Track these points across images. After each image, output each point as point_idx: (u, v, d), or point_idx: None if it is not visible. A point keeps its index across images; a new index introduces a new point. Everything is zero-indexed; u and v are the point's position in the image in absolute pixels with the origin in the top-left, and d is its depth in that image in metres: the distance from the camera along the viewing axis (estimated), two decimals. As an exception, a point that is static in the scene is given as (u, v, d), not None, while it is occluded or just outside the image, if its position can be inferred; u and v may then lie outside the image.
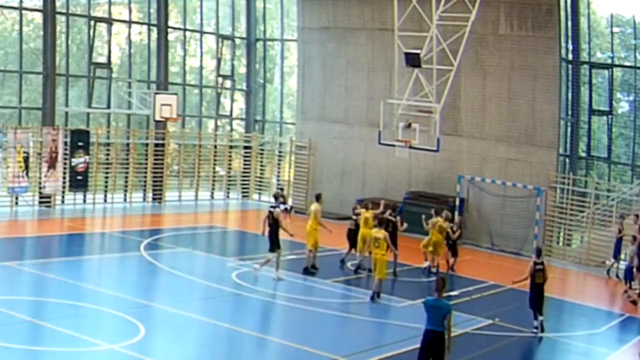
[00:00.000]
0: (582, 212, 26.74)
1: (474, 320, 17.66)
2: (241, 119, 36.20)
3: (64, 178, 28.34)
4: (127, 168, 30.79)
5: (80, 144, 28.48)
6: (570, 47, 28.60)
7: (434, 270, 22.42)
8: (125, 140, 30.80)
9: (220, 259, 22.55)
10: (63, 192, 29.07)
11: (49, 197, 28.26)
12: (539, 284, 17.20)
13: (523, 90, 27.68)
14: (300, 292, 19.48)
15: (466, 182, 28.48)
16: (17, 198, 27.62)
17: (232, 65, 35.40)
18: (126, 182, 31.07)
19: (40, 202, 28.13)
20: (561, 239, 28.01)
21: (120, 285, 18.59)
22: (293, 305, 18.23)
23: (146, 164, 31.37)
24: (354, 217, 22.75)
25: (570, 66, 28.60)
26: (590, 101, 28.62)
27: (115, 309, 15.98)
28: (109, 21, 30.52)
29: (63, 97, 29.53)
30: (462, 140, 28.82)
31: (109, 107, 30.29)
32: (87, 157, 28.76)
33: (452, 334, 12.39)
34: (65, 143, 28.13)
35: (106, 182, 30.45)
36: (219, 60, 34.77)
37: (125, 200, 30.98)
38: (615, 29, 28.43)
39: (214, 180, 34.14)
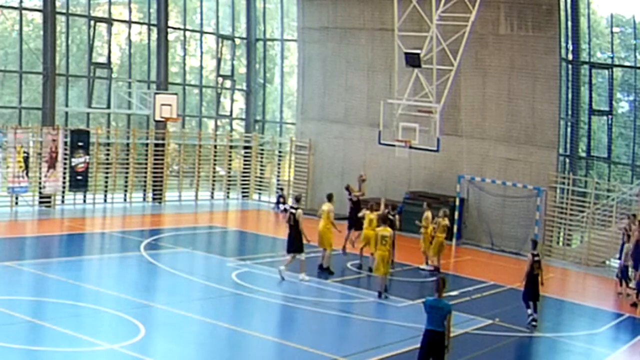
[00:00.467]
0: (582, 212, 26.74)
1: (474, 320, 17.66)
2: (241, 119, 36.20)
3: (64, 178, 28.35)
4: (127, 168, 30.79)
5: (80, 144, 28.48)
6: (570, 47, 28.60)
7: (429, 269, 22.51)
8: (125, 140, 30.80)
9: (220, 259, 22.55)
10: (63, 192, 29.07)
11: (49, 197, 28.27)
12: (536, 275, 17.53)
13: (523, 90, 27.68)
14: (300, 292, 19.47)
15: (466, 182, 28.48)
16: (17, 198, 27.63)
17: (232, 65, 35.41)
18: (126, 182, 31.07)
19: (40, 202, 28.14)
20: (561, 239, 28.01)
21: (120, 285, 18.59)
22: (293, 305, 18.23)
23: (146, 164, 31.37)
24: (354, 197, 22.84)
25: (570, 66, 28.60)
26: (590, 101, 28.62)
27: (115, 309, 15.98)
28: (109, 21, 30.52)
29: (63, 97, 29.54)
30: (462, 140, 28.82)
31: (109, 107, 30.30)
32: (87, 157, 28.76)
33: (452, 334, 12.41)
34: (65, 143, 28.13)
35: (106, 182, 30.45)
36: (219, 60, 34.78)
37: (125, 200, 30.99)
38: (615, 29, 28.43)
39: (214, 180, 34.14)
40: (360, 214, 22.61)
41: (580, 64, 28.58)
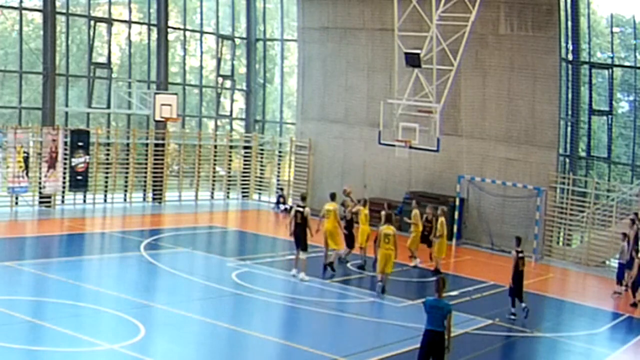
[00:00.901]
0: (582, 212, 26.75)
1: (474, 320, 17.66)
2: (241, 119, 36.20)
3: (64, 178, 28.35)
4: (127, 168, 30.79)
5: (80, 144, 28.48)
6: (570, 47, 28.61)
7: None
8: (125, 140, 30.80)
9: (220, 259, 22.55)
10: (63, 192, 29.07)
11: (49, 197, 28.27)
12: (521, 272, 18.19)
13: (523, 90, 27.68)
14: (300, 292, 19.48)
15: (466, 182, 28.49)
16: (17, 198, 27.63)
17: (232, 65, 35.41)
18: (126, 182, 31.07)
19: (40, 202, 28.13)
20: (561, 239, 28.01)
21: (120, 285, 18.60)
22: (293, 305, 18.24)
23: (146, 164, 31.37)
24: (348, 214, 22.76)
25: (570, 66, 28.61)
26: (590, 101, 28.63)
27: (115, 309, 15.98)
28: (109, 21, 30.52)
29: (63, 97, 29.54)
30: (462, 140, 28.81)
31: (109, 107, 30.30)
32: (87, 157, 28.76)
33: (452, 334, 12.41)
34: (65, 143, 28.13)
35: (106, 182, 30.45)
36: (219, 60, 34.78)
37: (125, 200, 30.99)
38: (615, 29, 28.43)
39: (214, 180, 34.14)
40: (354, 210, 22.64)
41: (580, 64, 28.58)
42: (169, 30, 32.11)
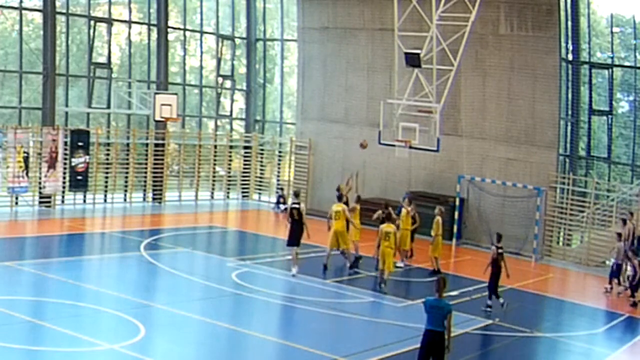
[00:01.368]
0: (582, 212, 26.75)
1: (474, 320, 17.66)
2: (241, 119, 36.20)
3: (64, 178, 28.34)
4: (127, 168, 30.79)
5: (80, 144, 28.48)
6: (570, 47, 28.61)
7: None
8: (125, 140, 30.81)
9: (220, 259, 22.55)
10: (63, 192, 29.07)
11: (49, 197, 28.27)
12: (499, 267, 18.68)
13: (523, 90, 27.68)
14: (300, 292, 19.48)
15: (466, 182, 28.49)
16: (17, 198, 27.63)
17: (232, 65, 35.41)
18: (126, 182, 31.07)
19: (40, 202, 28.13)
20: (561, 239, 28.01)
21: (120, 285, 18.59)
22: (293, 305, 18.24)
23: (146, 164, 31.37)
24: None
25: (570, 66, 28.61)
26: (590, 101, 28.63)
27: (115, 309, 15.98)
28: (109, 21, 30.52)
29: (63, 97, 29.54)
30: (462, 140, 28.82)
31: (109, 107, 30.30)
32: (87, 157, 28.76)
33: (452, 334, 12.40)
34: (65, 143, 28.13)
35: (106, 182, 30.45)
36: (219, 60, 34.78)
37: (125, 200, 30.99)
38: (615, 29, 28.44)
39: (214, 180, 34.14)
40: (350, 207, 22.70)
41: (580, 64, 28.58)
42: (169, 30, 32.11)
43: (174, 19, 33.72)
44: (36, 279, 18.38)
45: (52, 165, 27.66)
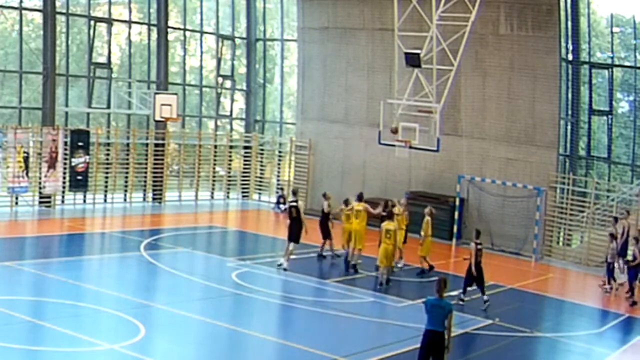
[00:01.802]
0: (582, 212, 26.74)
1: (474, 320, 17.67)
2: (241, 119, 36.20)
3: (64, 178, 28.35)
4: (127, 168, 30.79)
5: (80, 144, 28.49)
6: (570, 47, 28.60)
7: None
8: (125, 140, 30.81)
9: (220, 259, 22.55)
10: (63, 192, 29.07)
11: (49, 197, 28.27)
12: (479, 263, 18.98)
13: (523, 90, 27.68)
14: (300, 292, 19.49)
15: (466, 182, 28.49)
16: (17, 198, 27.63)
17: (232, 65, 35.41)
18: (126, 182, 31.07)
19: (40, 202, 28.13)
20: (561, 239, 28.01)
21: (120, 285, 18.60)
22: (293, 305, 18.24)
23: (146, 164, 31.37)
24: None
25: (570, 66, 28.60)
26: (590, 101, 28.63)
27: (115, 309, 15.98)
28: (109, 21, 30.52)
29: (63, 97, 29.54)
30: (462, 140, 28.81)
31: (109, 107, 30.30)
32: (87, 157, 28.76)
33: (452, 334, 12.40)
34: (65, 143, 28.13)
35: (106, 182, 30.45)
36: (219, 60, 34.78)
37: (125, 200, 30.99)
38: (615, 29, 28.43)
39: (214, 180, 34.14)
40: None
41: (580, 64, 28.58)
42: (169, 30, 32.11)
43: (174, 19, 33.72)
44: (36, 279, 18.39)
45: (52, 165, 27.66)
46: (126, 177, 31.00)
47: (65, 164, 28.14)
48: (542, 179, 27.26)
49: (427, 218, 22.36)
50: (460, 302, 18.75)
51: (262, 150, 35.42)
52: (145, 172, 31.40)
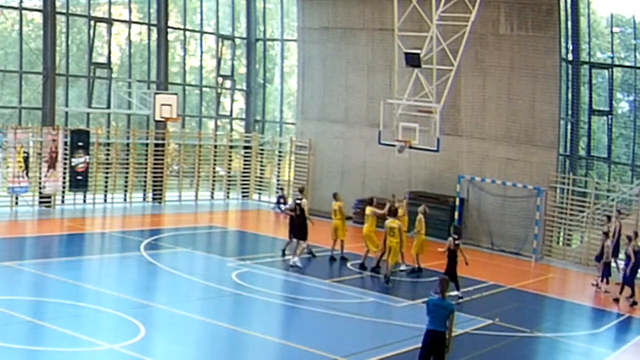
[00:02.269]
0: (582, 212, 26.74)
1: (474, 320, 17.67)
2: (241, 119, 36.20)
3: (64, 178, 28.35)
4: (127, 168, 30.79)
5: (80, 144, 28.49)
6: (570, 47, 28.60)
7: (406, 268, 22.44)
8: (125, 140, 30.81)
9: (220, 259, 22.55)
10: (63, 192, 29.07)
11: (49, 197, 28.27)
12: (455, 257, 19.41)
13: (523, 90, 27.68)
14: (300, 292, 19.49)
15: (466, 182, 28.49)
16: (17, 198, 27.63)
17: (232, 65, 35.41)
18: (126, 182, 31.07)
19: (40, 202, 28.13)
20: (561, 239, 28.01)
21: (120, 285, 18.60)
22: (293, 305, 18.24)
23: (146, 164, 31.37)
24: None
25: (570, 66, 28.61)
26: (590, 101, 28.63)
27: (115, 309, 15.98)
28: (109, 21, 30.52)
29: (63, 97, 29.54)
30: (462, 140, 28.81)
31: (109, 107, 30.30)
32: (87, 157, 28.76)
33: (453, 334, 12.40)
34: (65, 143, 28.13)
35: (106, 182, 30.45)
36: (219, 60, 34.78)
37: (125, 200, 30.99)
38: (615, 29, 28.43)
39: (214, 180, 34.14)
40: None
41: (580, 64, 28.58)
42: (169, 30, 32.11)
43: (174, 19, 33.73)
44: (36, 279, 18.39)
45: (52, 165, 27.66)
46: (126, 177, 31.00)
47: (65, 164, 28.14)
48: (542, 179, 27.26)
49: (420, 216, 22.40)
50: (460, 300, 18.96)
51: (262, 150, 35.42)
52: (145, 172, 31.40)
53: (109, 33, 30.47)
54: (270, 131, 36.10)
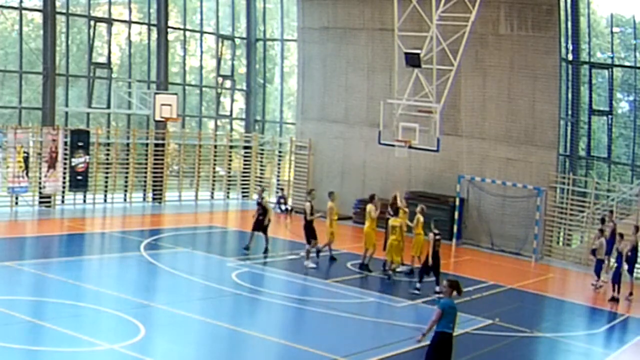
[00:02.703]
0: (582, 212, 26.75)
1: (474, 320, 17.66)
2: (241, 119, 36.20)
3: (64, 178, 28.35)
4: (127, 168, 30.79)
5: (80, 144, 28.49)
6: (570, 47, 28.60)
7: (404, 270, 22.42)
8: (125, 140, 30.81)
9: (220, 259, 22.55)
10: (63, 192, 29.07)
11: (49, 197, 28.27)
12: (437, 252, 19.80)
13: (523, 90, 27.68)
14: (300, 292, 19.49)
15: (466, 182, 28.49)
16: (17, 198, 27.63)
17: (232, 65, 35.41)
18: (126, 182, 31.07)
19: (40, 202, 28.13)
20: (561, 239, 28.01)
21: (120, 285, 18.60)
22: (293, 305, 18.24)
23: (146, 164, 31.37)
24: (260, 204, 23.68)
25: (570, 66, 28.60)
26: (590, 101, 28.63)
27: (115, 309, 15.98)
28: (109, 21, 30.52)
29: (63, 97, 29.54)
30: (462, 140, 28.81)
31: (109, 107, 30.30)
32: (87, 157, 28.76)
33: (454, 334, 12.43)
34: (65, 143, 28.13)
35: (106, 182, 30.45)
36: (219, 60, 34.78)
37: (125, 200, 30.99)
38: (615, 29, 28.43)
39: (214, 180, 34.14)
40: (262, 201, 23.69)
41: (580, 64, 28.58)
42: (169, 30, 32.11)
43: (174, 19, 33.73)
44: (36, 279, 18.39)
45: (52, 165, 27.66)
46: (126, 177, 31.00)
47: (65, 164, 28.14)
48: (542, 179, 27.26)
49: (418, 216, 22.34)
50: (416, 292, 19.42)
51: (262, 150, 35.42)
52: (145, 172, 31.39)
53: (109, 33, 30.47)
54: (270, 131, 36.10)
